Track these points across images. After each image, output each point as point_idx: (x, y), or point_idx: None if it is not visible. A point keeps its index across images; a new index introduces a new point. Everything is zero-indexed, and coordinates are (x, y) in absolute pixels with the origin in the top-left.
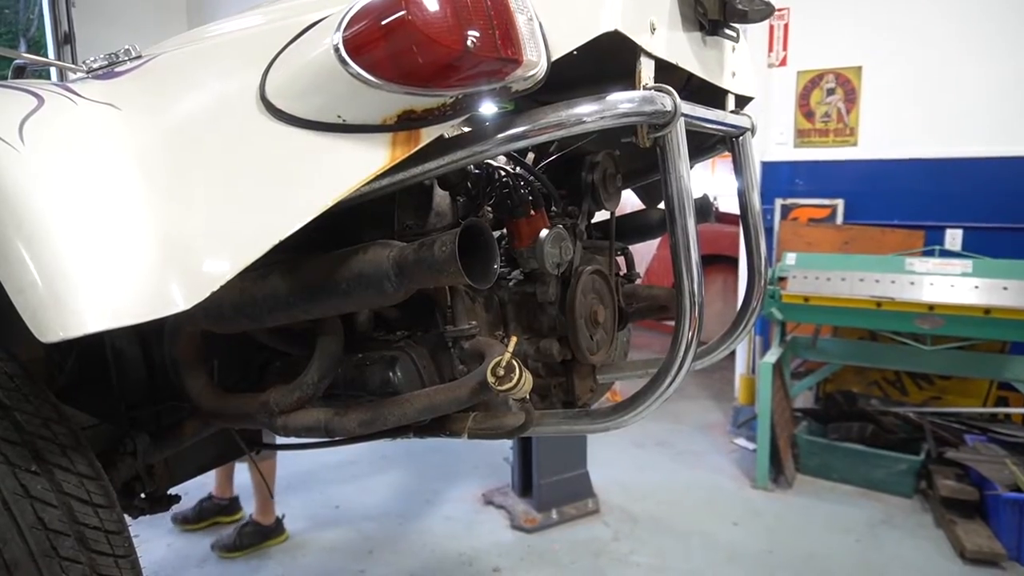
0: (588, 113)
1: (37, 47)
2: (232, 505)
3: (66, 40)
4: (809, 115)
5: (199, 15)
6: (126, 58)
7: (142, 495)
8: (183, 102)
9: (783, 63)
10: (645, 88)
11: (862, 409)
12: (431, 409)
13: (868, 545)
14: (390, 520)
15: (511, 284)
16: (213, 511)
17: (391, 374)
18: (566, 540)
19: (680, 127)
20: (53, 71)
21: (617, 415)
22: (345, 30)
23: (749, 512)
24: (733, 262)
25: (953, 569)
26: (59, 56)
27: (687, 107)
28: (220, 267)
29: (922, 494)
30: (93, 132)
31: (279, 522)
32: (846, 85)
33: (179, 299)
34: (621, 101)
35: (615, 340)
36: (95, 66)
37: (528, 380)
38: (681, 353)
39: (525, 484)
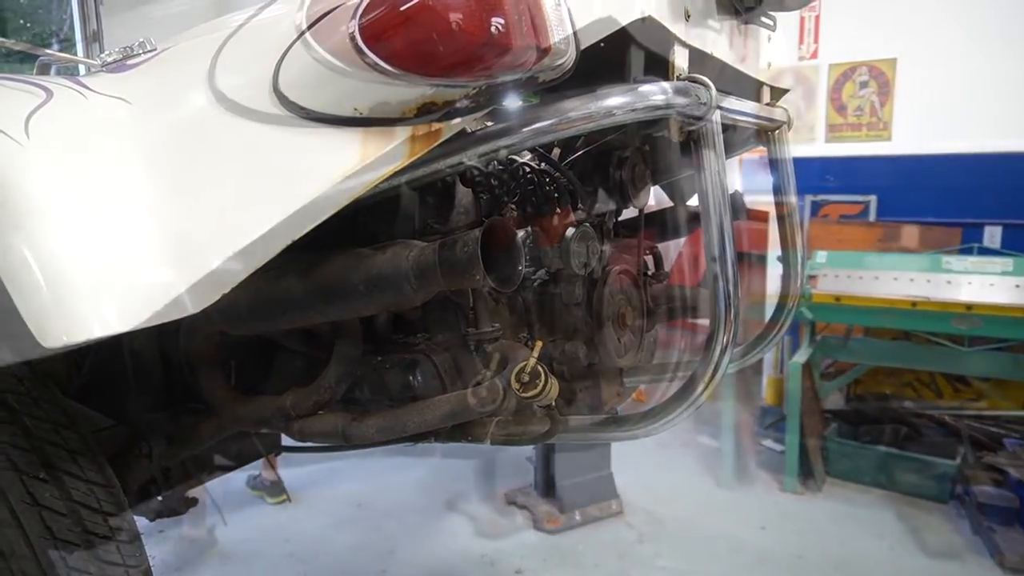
0: (619, 105)
1: (68, 45)
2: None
3: (94, 38)
4: (841, 109)
5: (227, 10)
6: (140, 51)
7: (158, 497)
8: (194, 95)
9: (814, 56)
10: (679, 79)
11: (895, 411)
12: (452, 416)
13: (901, 552)
14: (412, 519)
15: (536, 284)
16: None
17: (411, 378)
18: (589, 542)
19: (716, 120)
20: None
21: (646, 423)
22: (362, 17)
23: (777, 516)
24: (757, 259)
25: None
26: (87, 53)
27: (723, 99)
28: (231, 268)
29: (958, 500)
30: (102, 127)
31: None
32: (880, 78)
33: (188, 302)
34: (654, 92)
35: (643, 342)
36: (109, 59)
37: (554, 386)
38: (715, 358)
39: (548, 484)
